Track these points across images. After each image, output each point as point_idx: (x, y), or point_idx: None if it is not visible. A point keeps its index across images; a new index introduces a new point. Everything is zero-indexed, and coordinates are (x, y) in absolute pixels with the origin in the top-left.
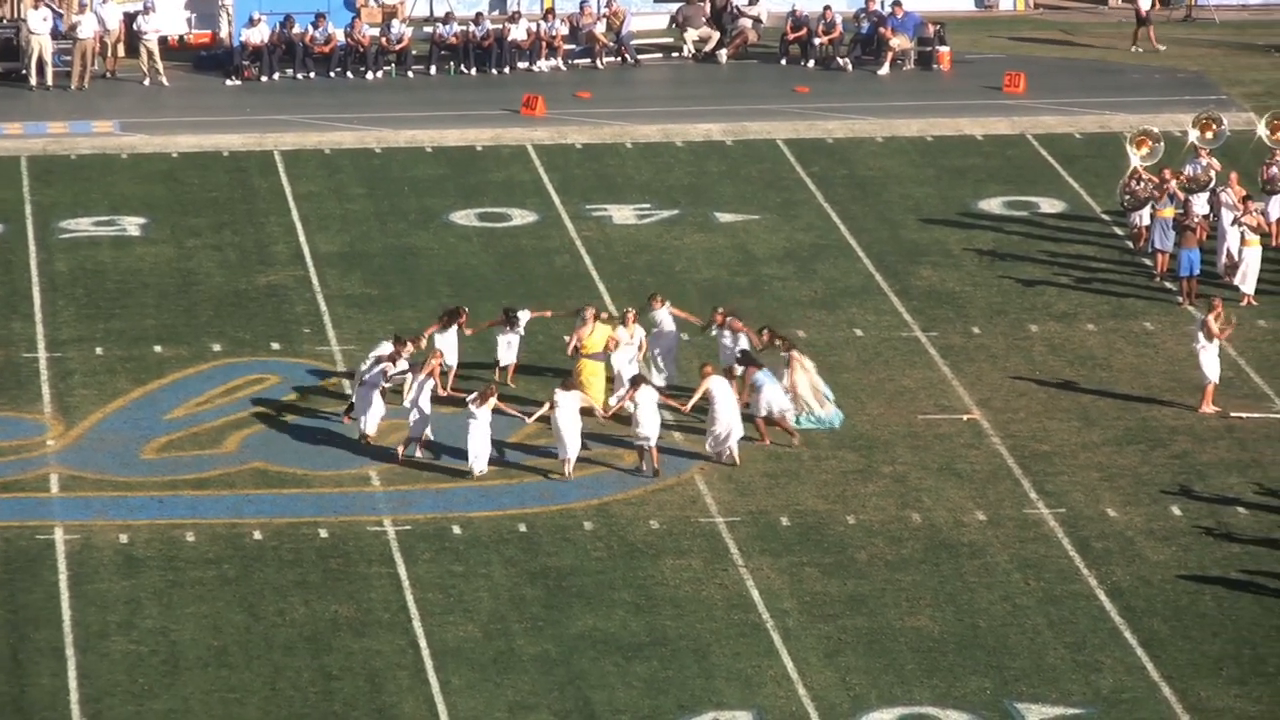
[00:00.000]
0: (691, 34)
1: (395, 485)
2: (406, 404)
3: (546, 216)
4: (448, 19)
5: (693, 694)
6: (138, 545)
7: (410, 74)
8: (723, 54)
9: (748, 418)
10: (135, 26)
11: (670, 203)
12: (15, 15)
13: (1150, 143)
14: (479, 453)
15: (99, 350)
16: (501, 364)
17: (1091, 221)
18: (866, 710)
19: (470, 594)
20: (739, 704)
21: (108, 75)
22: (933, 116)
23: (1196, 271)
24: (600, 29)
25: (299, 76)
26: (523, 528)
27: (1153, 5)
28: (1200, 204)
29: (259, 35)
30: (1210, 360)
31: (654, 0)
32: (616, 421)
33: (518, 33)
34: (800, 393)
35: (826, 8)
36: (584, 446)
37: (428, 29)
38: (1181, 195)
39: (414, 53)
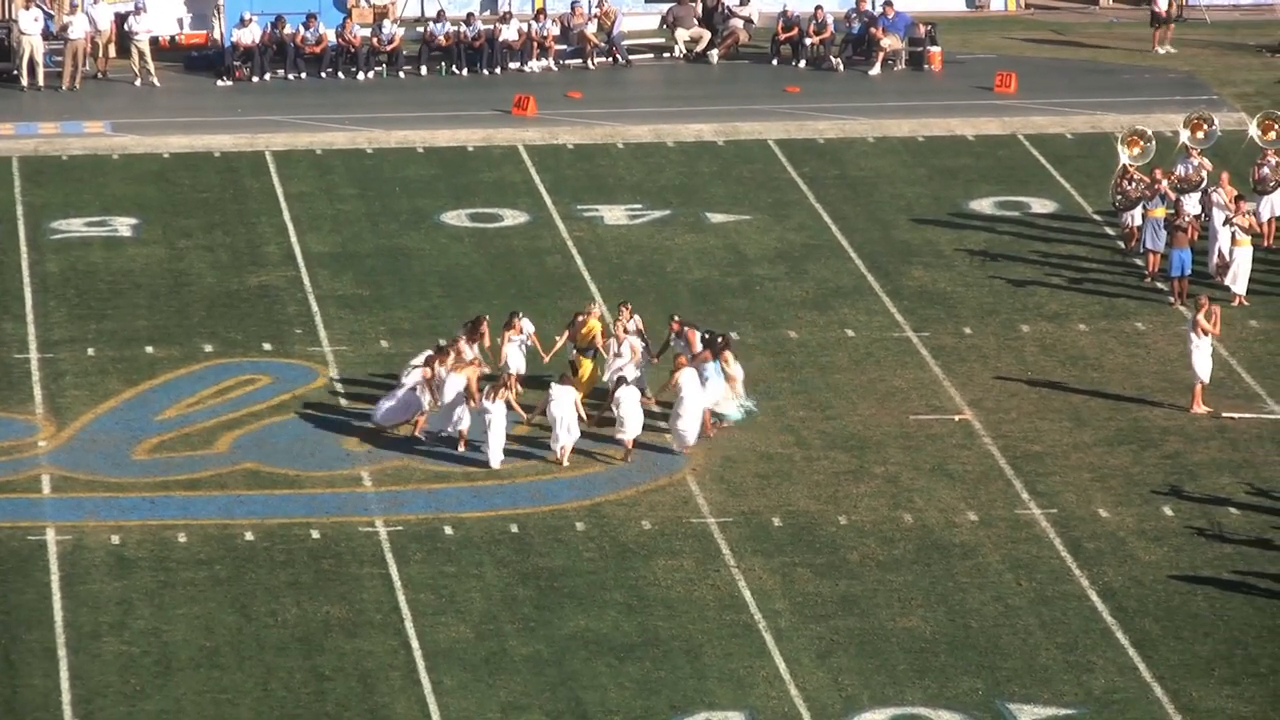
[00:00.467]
0: (683, 34)
1: (387, 486)
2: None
3: (538, 217)
4: (439, 17)
5: (685, 694)
6: (129, 546)
7: (401, 74)
8: (714, 54)
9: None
10: (126, 27)
11: (662, 203)
12: (6, 16)
13: (1141, 143)
14: (497, 446)
15: (90, 351)
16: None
17: (1083, 222)
18: (858, 711)
19: (462, 594)
20: (731, 704)
21: (99, 76)
22: (924, 117)
23: (1188, 272)
24: (591, 29)
25: (290, 77)
26: (514, 528)
27: (1170, 5)
28: (1192, 204)
29: (250, 36)
30: (1201, 360)
31: (645, 1)
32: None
33: (509, 33)
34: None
35: (818, 8)
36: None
37: (419, 29)
38: (1173, 195)
39: (405, 53)
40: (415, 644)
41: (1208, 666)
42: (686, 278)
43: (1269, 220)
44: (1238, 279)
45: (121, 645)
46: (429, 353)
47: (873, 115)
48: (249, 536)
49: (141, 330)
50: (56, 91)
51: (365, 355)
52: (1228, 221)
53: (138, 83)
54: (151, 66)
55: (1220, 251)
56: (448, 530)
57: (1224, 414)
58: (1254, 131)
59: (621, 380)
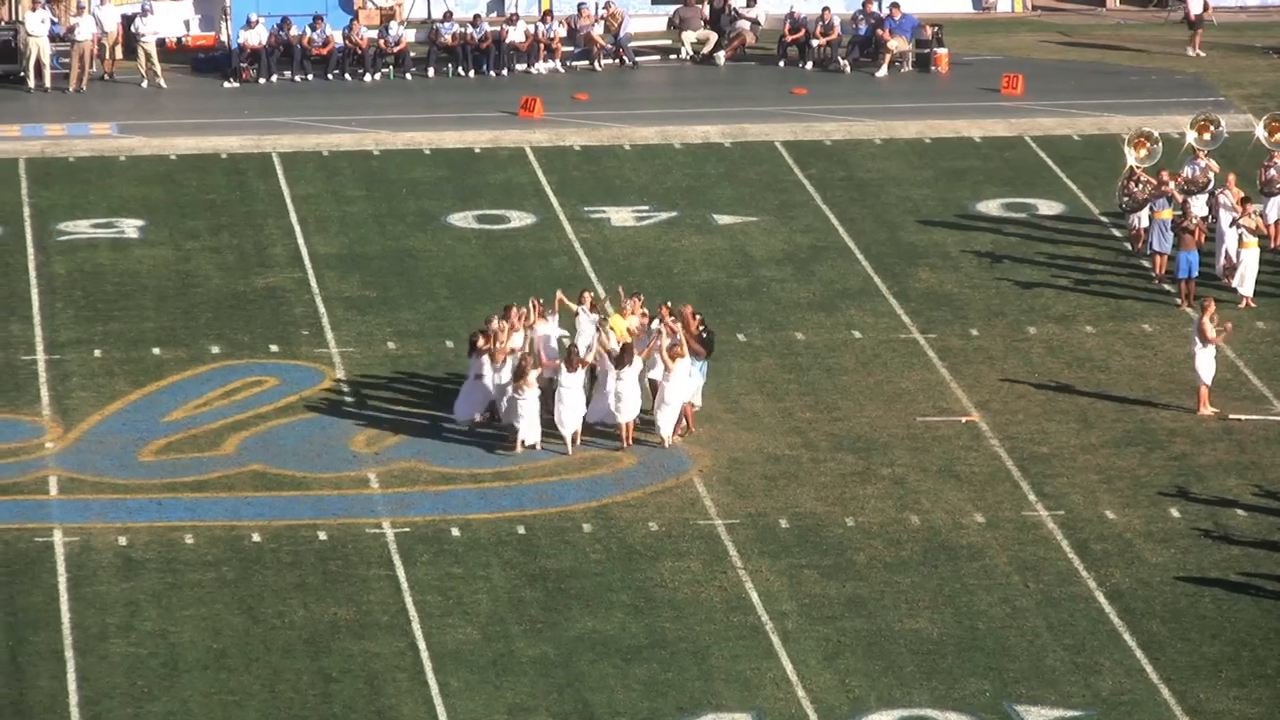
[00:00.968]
0: (689, 36)
1: (394, 487)
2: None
3: (545, 218)
4: (447, 17)
5: (692, 696)
6: (136, 548)
7: (408, 76)
8: (721, 56)
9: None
10: (133, 29)
11: (668, 205)
12: (13, 17)
13: (1148, 144)
14: (529, 428)
15: (97, 352)
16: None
17: (1090, 223)
18: (865, 712)
19: (469, 596)
20: (738, 706)
21: (105, 77)
22: (931, 118)
23: (1195, 273)
24: (598, 31)
25: (297, 79)
26: (521, 530)
27: (1204, 9)
28: (1199, 206)
29: (257, 37)
30: (1205, 362)
31: (652, 2)
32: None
33: (516, 34)
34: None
35: (825, 9)
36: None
37: (426, 31)
38: (1180, 197)
39: (412, 55)
40: (422, 645)
41: (1215, 668)
42: (693, 279)
43: (1276, 222)
44: (1245, 281)
45: (129, 647)
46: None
47: (879, 117)
48: (256, 538)
49: (148, 332)
50: (63, 93)
51: (372, 357)
52: (1234, 223)
53: (144, 84)
54: (158, 68)
55: (1227, 253)
56: (455, 532)
57: (1231, 416)
58: (1261, 133)
59: (628, 353)
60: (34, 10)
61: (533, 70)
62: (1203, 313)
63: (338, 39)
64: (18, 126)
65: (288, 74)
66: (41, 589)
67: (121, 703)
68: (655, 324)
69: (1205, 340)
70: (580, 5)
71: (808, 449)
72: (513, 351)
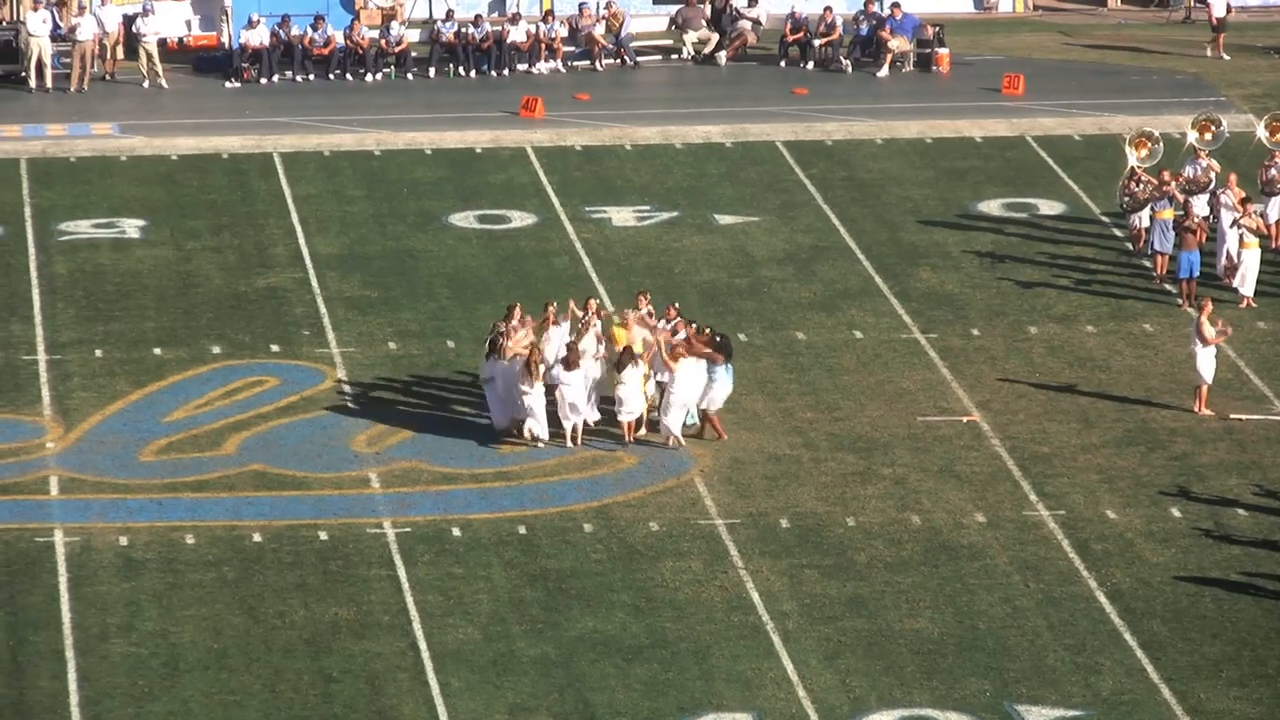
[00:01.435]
0: (691, 36)
1: (395, 487)
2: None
3: (546, 218)
4: (448, 16)
5: (693, 696)
6: (137, 548)
7: (409, 76)
8: (722, 56)
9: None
10: (134, 29)
11: (670, 205)
12: (14, 17)
13: (1149, 144)
14: (538, 423)
15: (98, 352)
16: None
17: (1091, 223)
18: (866, 712)
19: (470, 596)
20: (739, 706)
21: (107, 77)
22: (932, 118)
23: (1196, 274)
24: (599, 31)
25: (298, 79)
26: (522, 530)
27: (1228, 11)
28: (1200, 206)
29: (258, 37)
30: (1205, 361)
31: (653, 2)
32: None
33: (517, 34)
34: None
35: (826, 9)
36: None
37: (427, 30)
38: (1181, 197)
39: (413, 55)
40: (423, 645)
41: (1216, 668)
42: (694, 279)
43: (1277, 222)
44: (1246, 280)
45: (129, 647)
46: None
47: (881, 117)
48: (257, 538)
49: (149, 332)
50: (64, 93)
51: (373, 357)
52: (1235, 223)
53: (145, 84)
54: (159, 68)
55: (1228, 253)
56: (455, 532)
57: (1231, 415)
58: (1262, 133)
59: (628, 355)
60: (35, 10)
61: (534, 70)
62: (1200, 313)
63: (339, 39)
64: (19, 126)
65: (289, 74)
66: (42, 589)
67: (122, 703)
68: (663, 324)
69: (1204, 340)
70: (581, 5)
71: (808, 449)
72: (516, 356)
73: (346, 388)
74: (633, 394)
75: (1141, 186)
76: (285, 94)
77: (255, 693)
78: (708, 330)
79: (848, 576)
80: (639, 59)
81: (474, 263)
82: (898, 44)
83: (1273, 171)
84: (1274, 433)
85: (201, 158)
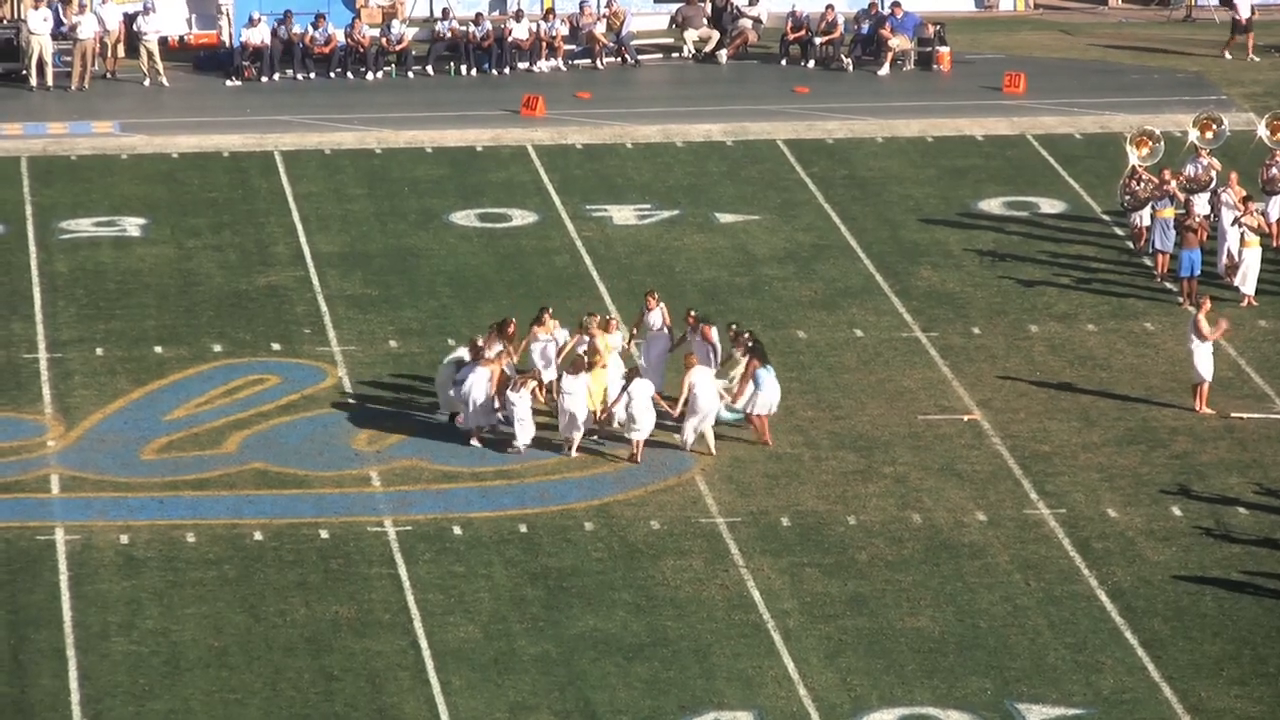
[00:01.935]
0: (691, 34)
1: (395, 486)
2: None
3: (547, 217)
4: (446, 15)
5: (693, 694)
6: (138, 546)
7: (410, 74)
8: (723, 54)
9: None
10: (135, 27)
11: (670, 203)
12: (15, 16)
13: (1150, 143)
14: (523, 431)
15: (99, 351)
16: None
17: (1092, 222)
18: (867, 711)
19: (471, 594)
20: (740, 704)
21: (108, 76)
22: (933, 117)
23: (1197, 272)
24: (600, 29)
25: (299, 77)
26: (523, 528)
27: (1252, 13)
28: (1201, 204)
29: (259, 36)
30: (1203, 359)
31: (654, 1)
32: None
33: (519, 31)
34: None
35: (827, 8)
36: (588, 434)
37: (428, 29)
38: (1181, 196)
39: (414, 53)
40: (424, 644)
41: (1216, 667)
42: (695, 278)
43: (1278, 220)
44: (1247, 279)
45: (130, 645)
46: (463, 350)
47: (881, 115)
48: (258, 536)
49: (150, 330)
50: (65, 91)
51: (374, 355)
52: (1236, 222)
53: (146, 83)
54: (160, 66)
55: (1229, 252)
56: (456, 530)
57: (1232, 414)
58: (1263, 131)
59: (634, 373)
60: (36, 9)
61: (535, 68)
62: (1198, 310)
63: (340, 37)
64: (20, 125)
65: (290, 72)
66: (43, 587)
67: (123, 701)
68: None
69: (1202, 337)
70: (582, 3)
71: (809, 447)
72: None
73: (347, 386)
74: (642, 411)
75: (1142, 185)
76: (286, 92)
77: (256, 691)
78: (747, 333)
79: (849, 575)
80: (640, 57)
81: (475, 261)
82: (898, 42)
83: (1274, 170)
84: (1275, 431)
85: (202, 156)
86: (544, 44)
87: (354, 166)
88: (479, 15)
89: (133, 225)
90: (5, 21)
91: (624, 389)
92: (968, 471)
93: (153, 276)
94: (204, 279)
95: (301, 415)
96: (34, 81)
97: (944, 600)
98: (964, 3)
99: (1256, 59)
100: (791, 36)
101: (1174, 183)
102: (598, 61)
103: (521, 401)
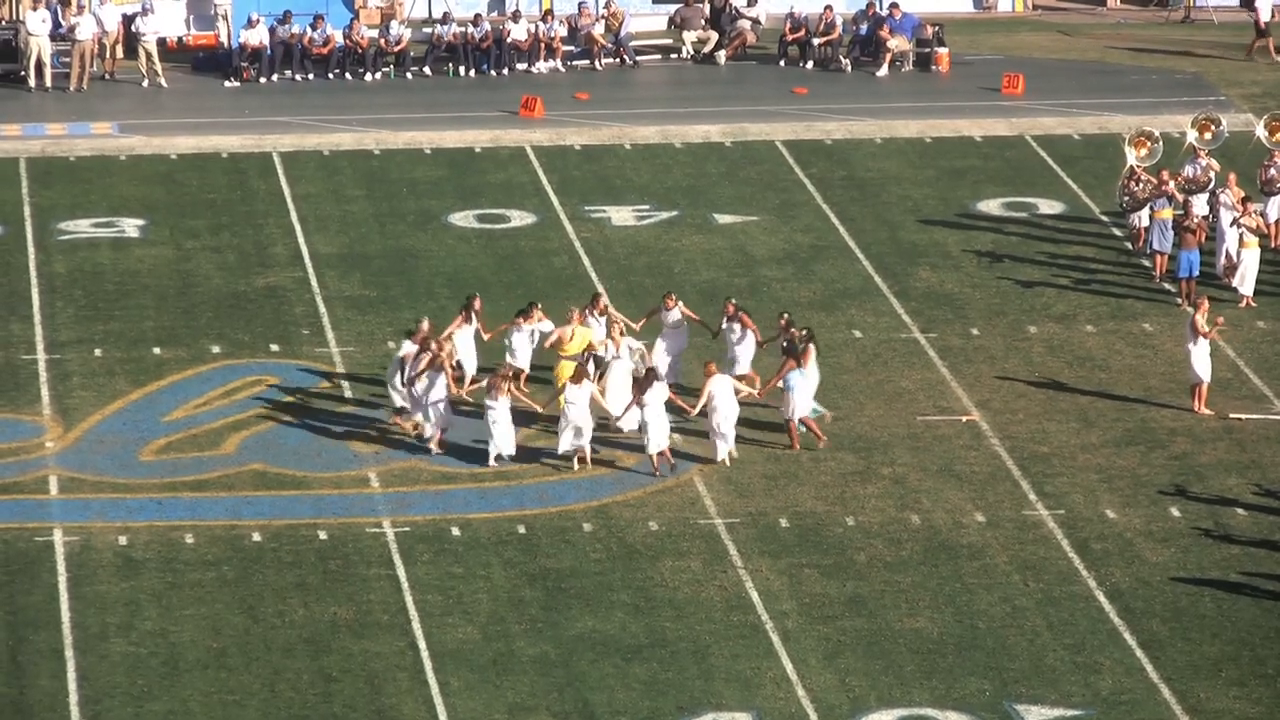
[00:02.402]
0: (690, 35)
1: (394, 487)
2: (416, 392)
3: (545, 218)
4: (445, 19)
5: (692, 695)
6: (137, 547)
7: (409, 75)
8: (721, 55)
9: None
10: (134, 28)
11: (669, 204)
12: (14, 17)
13: (1149, 144)
14: (506, 440)
15: (98, 352)
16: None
17: (1090, 223)
18: (866, 712)
19: (469, 595)
20: (738, 705)
21: (106, 77)
22: (931, 118)
23: (1196, 273)
24: (599, 30)
25: (297, 78)
26: (522, 529)
27: (1273, 16)
28: (1200, 205)
29: (257, 37)
30: (1202, 360)
31: (652, 2)
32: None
33: (518, 32)
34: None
35: (826, 9)
36: (594, 450)
37: (426, 30)
38: (1180, 196)
39: (412, 54)
40: (422, 645)
41: (1215, 667)
42: (694, 279)
43: (1276, 221)
44: (1245, 280)
45: (129, 646)
46: (408, 343)
47: (880, 116)
48: (256, 537)
49: (149, 331)
50: (64, 92)
51: (372, 356)
52: (1235, 222)
53: (145, 84)
54: (159, 67)
55: (1228, 253)
56: (455, 531)
57: (1231, 415)
58: (1261, 132)
59: (652, 376)
60: (34, 10)
61: (533, 69)
62: (1195, 310)
63: (338, 38)
64: (18, 126)
65: (288, 73)
66: (42, 588)
67: (122, 702)
68: (723, 324)
69: (1199, 336)
70: (581, 4)
71: (808, 448)
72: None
73: (346, 387)
74: (656, 419)
75: (1141, 186)
76: (284, 93)
77: (255, 692)
78: (793, 329)
79: (847, 576)
80: (638, 58)
81: (473, 262)
82: (897, 43)
83: (1272, 171)
84: (1274, 432)
85: (201, 157)
86: (542, 45)
87: (352, 167)
88: (477, 16)
89: (131, 226)
90: (4, 22)
91: (638, 395)
92: (966, 472)
93: (151, 277)
94: (202, 280)
95: (300, 416)
96: (32, 82)
97: (943, 601)
98: (962, 4)
99: (1279, 58)
100: (790, 37)
101: (1172, 183)
102: (596, 62)
103: (501, 408)
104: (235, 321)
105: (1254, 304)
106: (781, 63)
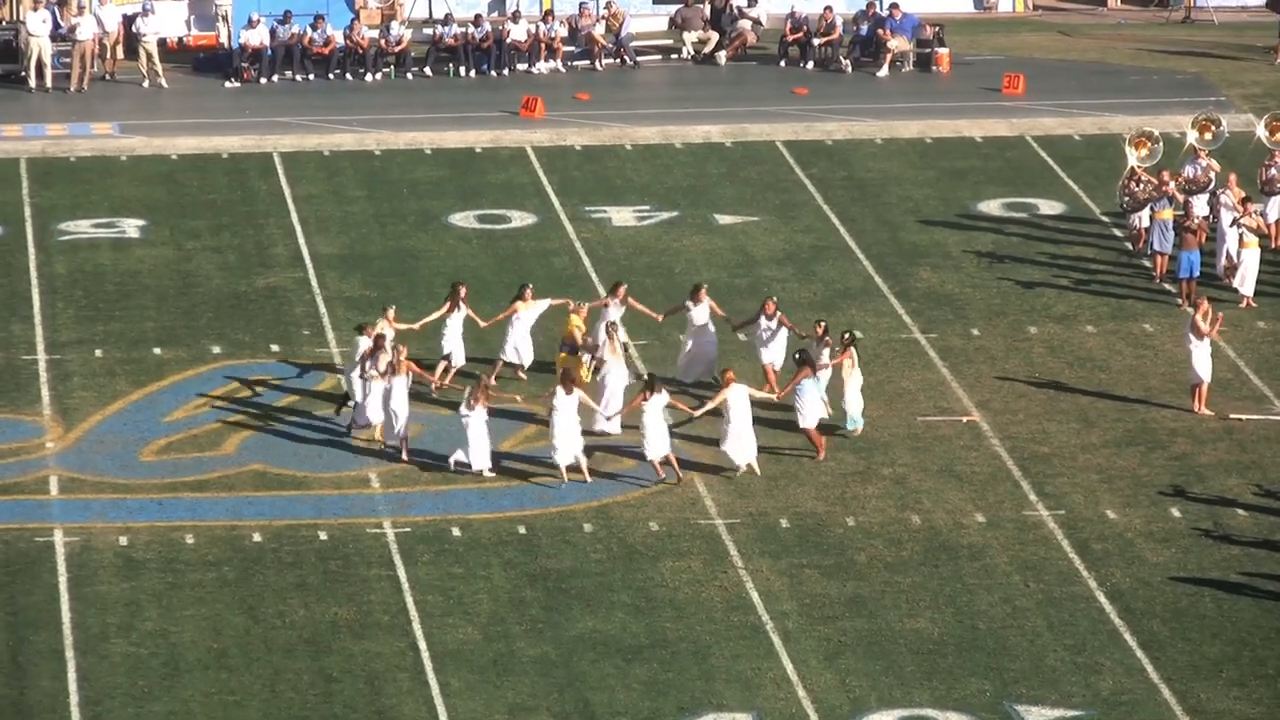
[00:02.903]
0: (690, 36)
1: (394, 487)
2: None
3: (546, 218)
4: (447, 20)
5: (692, 696)
6: (137, 547)
7: (409, 76)
8: (722, 56)
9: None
10: (134, 28)
11: (669, 204)
12: (14, 17)
13: (1149, 144)
14: (478, 452)
15: (98, 352)
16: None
17: (1091, 223)
18: (866, 712)
19: (470, 596)
20: (739, 706)
21: (107, 77)
22: (932, 118)
23: (1196, 273)
24: (599, 31)
25: (298, 78)
26: (522, 529)
27: None
28: (1200, 205)
29: (258, 37)
30: (1202, 360)
31: (653, 2)
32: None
33: (518, 32)
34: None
35: (826, 9)
36: (587, 453)
37: (427, 30)
38: (1180, 197)
39: (413, 54)
40: (423, 645)
41: (1215, 668)
42: (694, 279)
43: (1277, 221)
44: (1246, 280)
45: (129, 647)
46: (365, 339)
47: (881, 117)
48: (257, 538)
49: (149, 331)
50: (64, 93)
51: None
52: (1235, 223)
53: (145, 84)
54: (159, 68)
55: (1228, 253)
56: (455, 532)
57: (1231, 415)
58: (1262, 133)
59: (652, 383)
60: (35, 10)
61: (534, 70)
62: (1196, 310)
63: (339, 39)
64: (19, 126)
65: (289, 74)
66: (42, 589)
67: (122, 703)
68: (762, 321)
69: (1200, 336)
70: (581, 5)
71: (808, 448)
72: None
73: (346, 387)
74: (653, 426)
75: (1141, 186)
76: (285, 94)
77: (255, 692)
78: (827, 338)
79: (847, 576)
80: (639, 59)
81: (474, 263)
82: (897, 44)
83: (1272, 171)
84: (1274, 433)
85: (201, 157)
86: (543, 45)
87: (353, 168)
88: (478, 17)
89: (132, 227)
90: (4, 23)
91: (635, 403)
92: (967, 473)
93: (152, 278)
94: (203, 280)
95: (300, 417)
96: (33, 83)
97: (943, 602)
98: (963, 4)
99: None
100: (790, 38)
101: (1173, 184)
102: (596, 63)
103: (475, 418)
104: (235, 322)
105: (1254, 304)
106: (782, 63)
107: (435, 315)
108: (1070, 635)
